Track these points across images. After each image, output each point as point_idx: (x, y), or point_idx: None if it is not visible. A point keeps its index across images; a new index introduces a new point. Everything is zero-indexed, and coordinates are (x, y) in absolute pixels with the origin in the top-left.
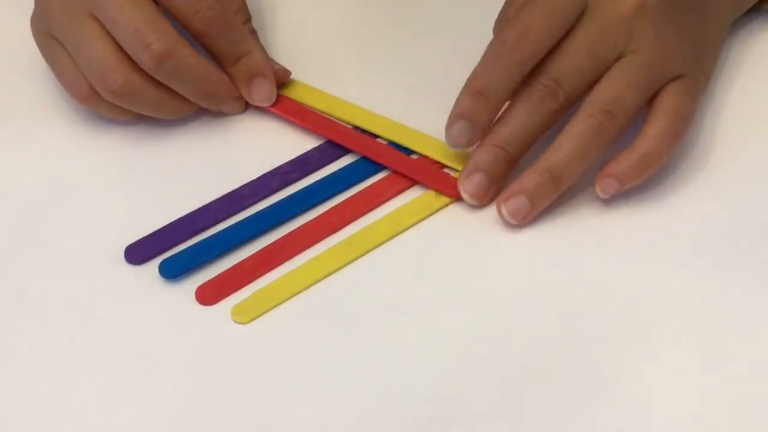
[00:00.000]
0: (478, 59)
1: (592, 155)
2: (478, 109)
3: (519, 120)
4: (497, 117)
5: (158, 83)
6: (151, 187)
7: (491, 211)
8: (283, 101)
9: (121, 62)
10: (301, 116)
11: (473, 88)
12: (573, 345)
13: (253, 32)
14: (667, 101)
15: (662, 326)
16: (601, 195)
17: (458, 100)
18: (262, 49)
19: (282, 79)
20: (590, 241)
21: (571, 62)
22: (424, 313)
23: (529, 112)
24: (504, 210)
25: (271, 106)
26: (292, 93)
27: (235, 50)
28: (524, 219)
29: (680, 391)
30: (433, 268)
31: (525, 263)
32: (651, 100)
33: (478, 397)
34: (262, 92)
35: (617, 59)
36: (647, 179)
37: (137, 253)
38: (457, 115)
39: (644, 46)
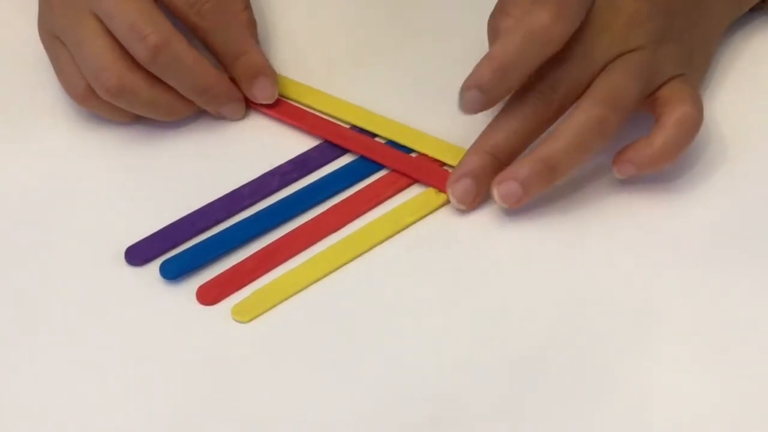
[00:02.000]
0: (477, 58)
1: (590, 148)
2: (496, 85)
3: (511, 126)
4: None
5: (155, 82)
6: (151, 187)
7: (491, 210)
8: (281, 104)
9: (117, 60)
10: (299, 118)
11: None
12: (573, 345)
13: (254, 33)
14: (678, 93)
15: (663, 326)
16: (618, 176)
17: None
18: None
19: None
20: (591, 240)
21: (566, 66)
22: (423, 312)
23: (521, 118)
24: (496, 193)
25: (270, 108)
26: (291, 92)
27: (233, 47)
28: (515, 204)
29: (680, 391)
30: (433, 267)
31: (525, 262)
32: (655, 100)
33: (478, 397)
34: (263, 90)
35: (613, 60)
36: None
37: (137, 254)
38: (471, 83)
39: (639, 48)
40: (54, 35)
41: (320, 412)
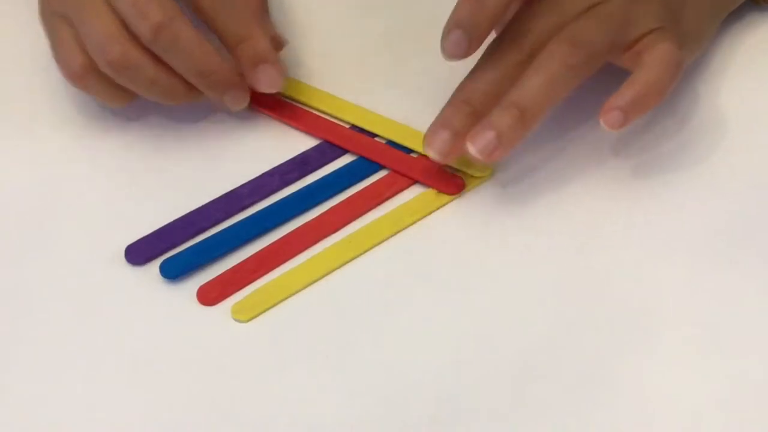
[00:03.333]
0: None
1: (559, 88)
2: (476, 18)
3: (485, 76)
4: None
5: (158, 61)
6: (151, 186)
7: (491, 209)
8: (281, 104)
9: (122, 34)
10: (299, 118)
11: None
12: (574, 344)
13: (265, 18)
14: (656, 39)
15: (663, 326)
16: (607, 128)
17: (455, 8)
18: (268, 35)
19: (278, 47)
20: (591, 240)
21: (537, 16)
22: (423, 312)
23: (494, 67)
24: (472, 147)
25: (270, 108)
26: (292, 92)
27: (236, 31)
28: (491, 156)
29: (680, 391)
30: (433, 267)
31: (525, 262)
32: (635, 53)
33: (478, 397)
34: (265, 78)
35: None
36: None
37: (137, 253)
38: (452, 25)
39: (613, 1)
40: (57, 14)
41: (320, 412)
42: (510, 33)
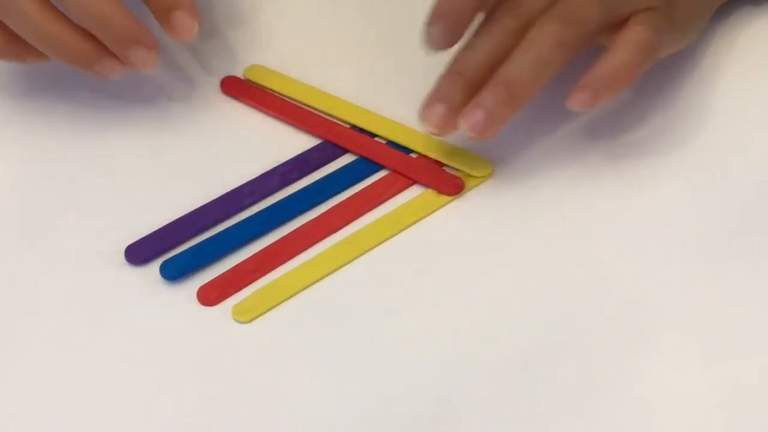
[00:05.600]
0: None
1: (549, 66)
2: (457, 7)
3: (480, 46)
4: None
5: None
6: (151, 186)
7: (491, 209)
8: (281, 103)
9: None
10: (299, 118)
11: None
12: (574, 344)
13: None
14: (636, 20)
15: (664, 326)
16: (575, 108)
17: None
18: None
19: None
20: (591, 240)
21: None
22: (424, 312)
23: (488, 38)
24: (464, 124)
25: (270, 108)
26: (291, 91)
27: None
28: (482, 133)
29: (681, 391)
30: (433, 267)
31: (525, 262)
32: (617, 30)
33: (478, 397)
34: (182, 26)
35: None
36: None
37: (137, 252)
38: (435, 17)
39: None
40: None
41: (320, 412)
42: (505, 4)
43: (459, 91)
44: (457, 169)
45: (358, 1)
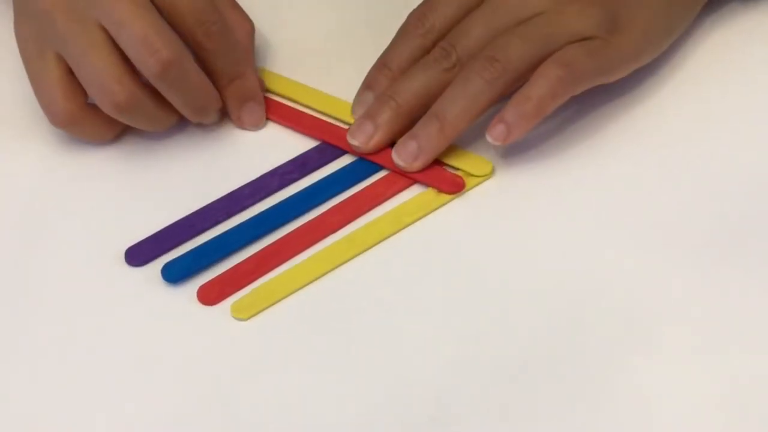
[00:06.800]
0: None
1: (477, 101)
2: (381, 79)
3: (411, 76)
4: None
5: (158, 97)
6: (151, 188)
7: (491, 209)
8: (280, 106)
9: (126, 73)
10: (298, 121)
11: (380, 62)
12: (574, 344)
13: (253, 57)
14: (560, 54)
15: (664, 326)
16: (491, 142)
17: (368, 73)
18: (257, 72)
19: (263, 87)
20: (591, 239)
21: (466, 31)
22: (423, 312)
23: (420, 69)
24: (394, 154)
25: (270, 111)
26: (291, 92)
27: (232, 70)
28: (413, 164)
29: (681, 391)
30: (433, 266)
31: (525, 262)
32: None
33: (478, 397)
34: (252, 117)
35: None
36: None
37: (138, 254)
38: (364, 87)
39: (542, 12)
40: (47, 50)
41: (320, 411)
42: (440, 44)
43: (385, 112)
44: (457, 169)
45: (359, 3)
